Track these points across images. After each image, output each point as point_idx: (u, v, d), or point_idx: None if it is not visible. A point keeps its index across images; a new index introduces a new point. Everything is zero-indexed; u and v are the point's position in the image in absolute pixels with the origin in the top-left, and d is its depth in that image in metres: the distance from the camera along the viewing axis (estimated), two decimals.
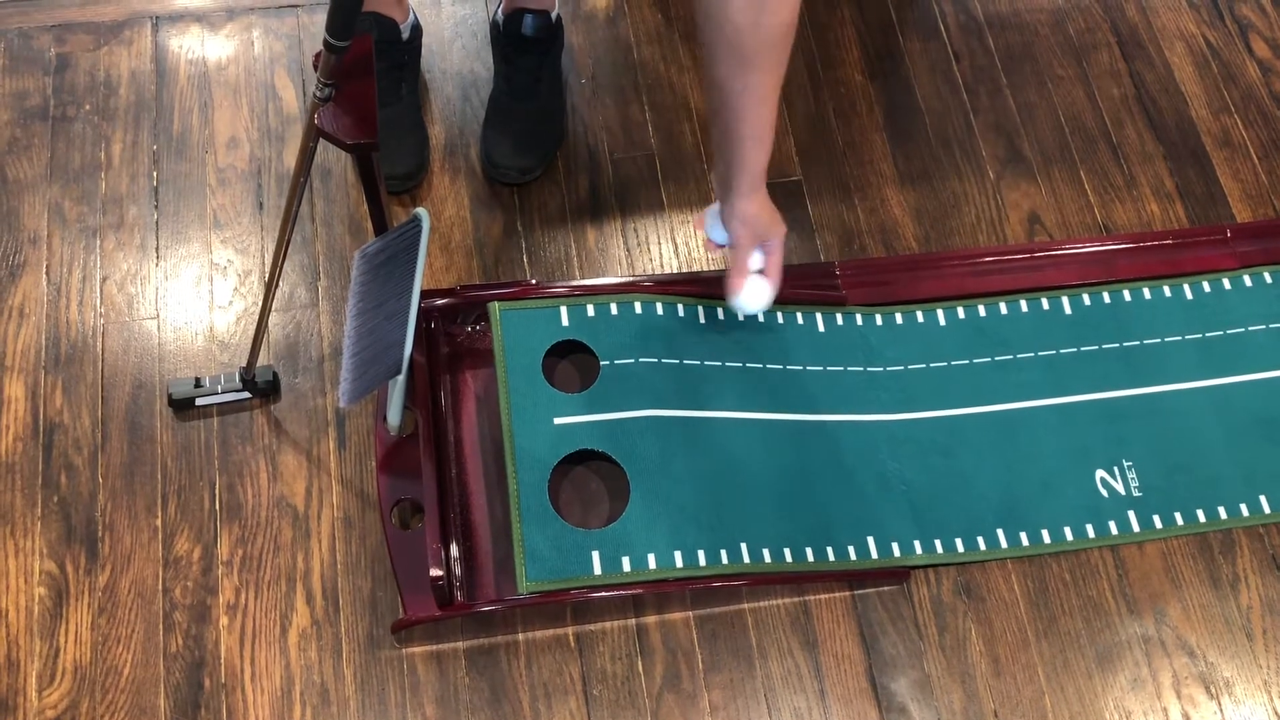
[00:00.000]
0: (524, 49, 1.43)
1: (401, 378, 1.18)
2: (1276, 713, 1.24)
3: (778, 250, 1.27)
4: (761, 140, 1.13)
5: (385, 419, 1.26)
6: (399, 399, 1.21)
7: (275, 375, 1.33)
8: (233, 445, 1.30)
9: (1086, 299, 1.43)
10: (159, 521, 1.26)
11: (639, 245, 1.46)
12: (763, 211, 1.22)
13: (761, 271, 1.27)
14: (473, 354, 1.33)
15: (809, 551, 1.25)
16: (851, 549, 1.26)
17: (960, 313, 1.42)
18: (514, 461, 1.21)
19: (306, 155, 0.94)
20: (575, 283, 1.36)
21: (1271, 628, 1.28)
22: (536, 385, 1.25)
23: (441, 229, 1.44)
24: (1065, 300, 1.43)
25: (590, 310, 1.30)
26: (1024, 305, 1.43)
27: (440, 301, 1.32)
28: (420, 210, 1.02)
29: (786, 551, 1.24)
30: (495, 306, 1.29)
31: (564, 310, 1.30)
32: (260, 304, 1.20)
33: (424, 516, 1.17)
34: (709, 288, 1.38)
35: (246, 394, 1.31)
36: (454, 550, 1.20)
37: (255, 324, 1.23)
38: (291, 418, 1.33)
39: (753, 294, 1.28)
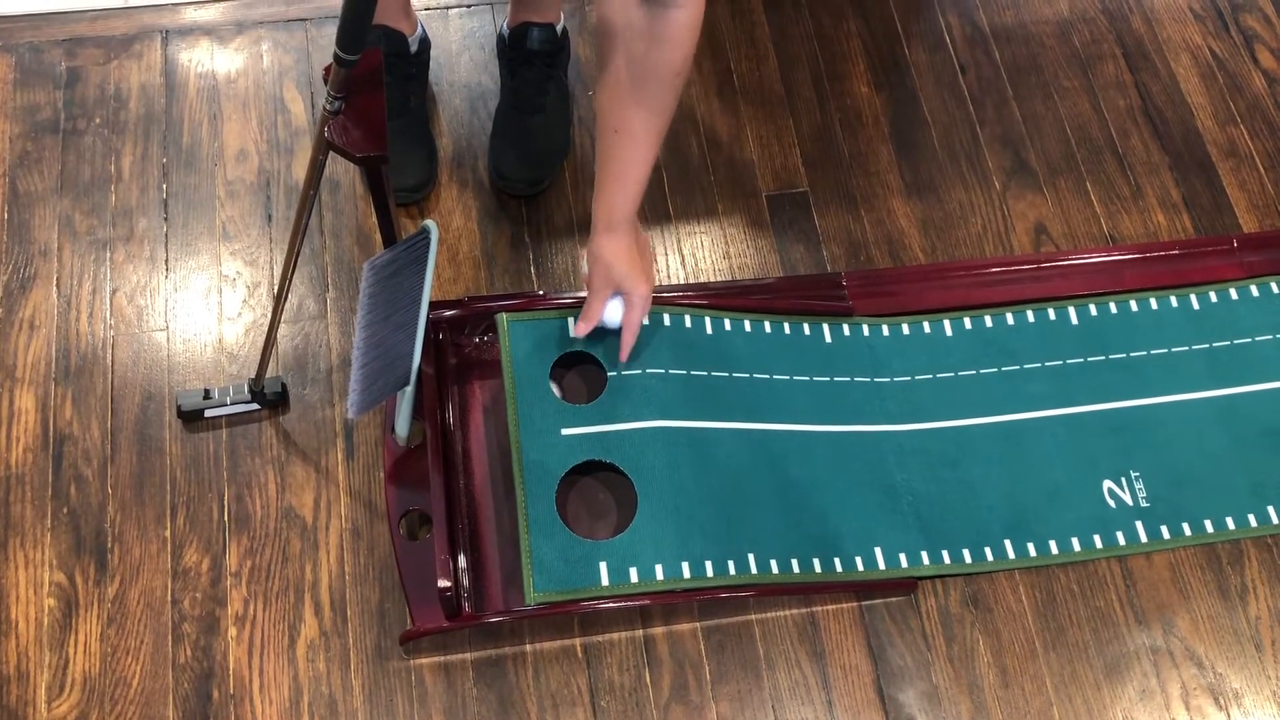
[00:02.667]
0: (530, 62, 1.44)
1: (410, 389, 1.18)
2: None
3: (637, 307, 1.20)
4: (623, 181, 1.09)
5: (393, 430, 1.26)
6: (407, 410, 1.21)
7: (284, 387, 1.33)
8: (241, 456, 1.31)
9: (1093, 309, 1.44)
10: (168, 533, 1.27)
11: None
12: (618, 258, 1.16)
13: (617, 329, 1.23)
14: (480, 365, 1.34)
15: (816, 562, 1.25)
16: (859, 560, 1.26)
17: (967, 323, 1.42)
18: (521, 472, 1.21)
19: (316, 168, 0.94)
20: (583, 294, 1.36)
21: None
22: (544, 396, 1.26)
23: (449, 240, 1.45)
24: (1072, 311, 1.43)
25: None
26: (1030, 316, 1.43)
27: (448, 313, 1.32)
28: (429, 222, 1.03)
29: (794, 562, 1.24)
30: (503, 318, 1.29)
31: (572, 321, 1.30)
32: (269, 316, 1.21)
33: (432, 527, 1.17)
34: (716, 299, 1.38)
35: (255, 405, 1.32)
36: (462, 561, 1.20)
37: (264, 336, 1.23)
38: (300, 429, 1.33)
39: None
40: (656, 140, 1.09)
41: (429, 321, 1.29)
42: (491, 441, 1.29)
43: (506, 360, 1.27)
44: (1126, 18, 1.69)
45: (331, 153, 0.93)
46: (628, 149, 1.07)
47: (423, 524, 1.26)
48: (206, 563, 1.25)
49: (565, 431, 1.24)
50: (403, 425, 1.24)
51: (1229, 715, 1.24)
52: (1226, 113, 1.62)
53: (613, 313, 1.24)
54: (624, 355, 1.25)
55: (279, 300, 1.16)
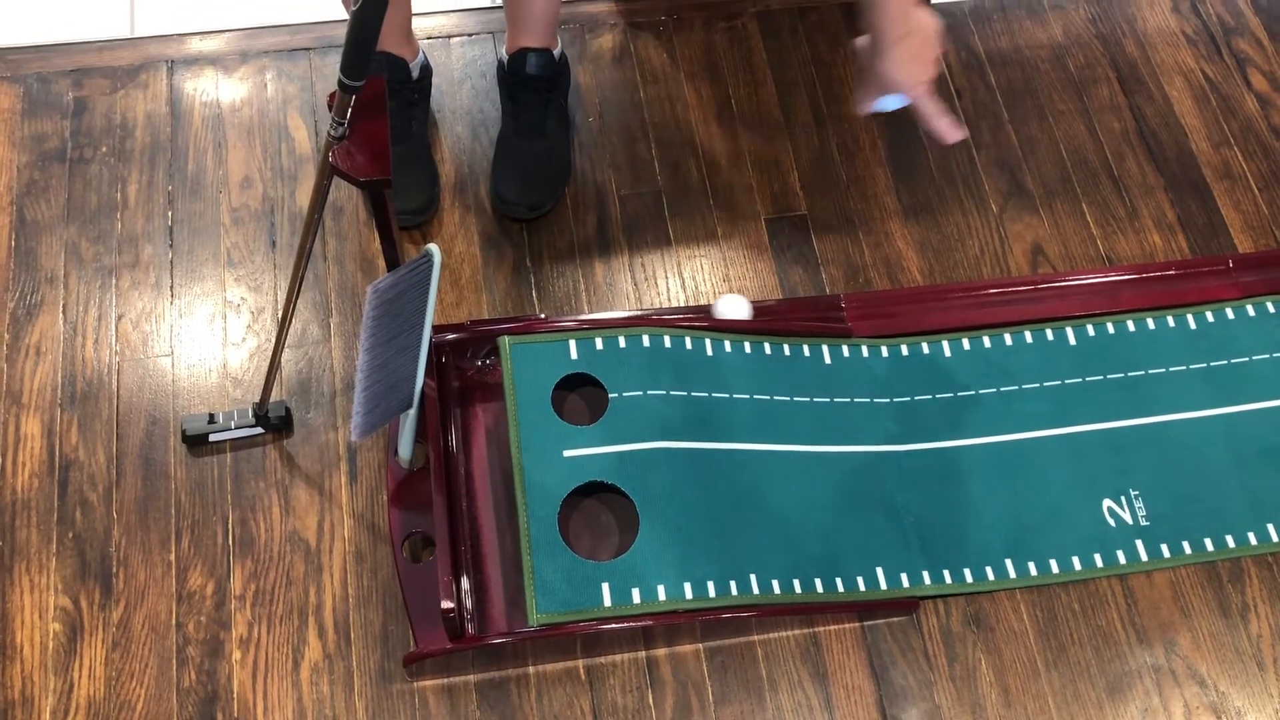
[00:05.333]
0: (529, 87, 1.46)
1: (413, 412, 1.19)
2: None
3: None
4: None
5: (397, 453, 1.27)
6: (410, 433, 1.22)
7: (288, 411, 1.34)
8: (245, 480, 1.32)
9: (1091, 330, 1.45)
10: (173, 556, 1.27)
11: (646, 280, 1.48)
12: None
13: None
14: (483, 388, 1.35)
15: (818, 582, 1.25)
16: (860, 580, 1.27)
17: (966, 344, 1.43)
18: (524, 494, 1.22)
19: (321, 193, 0.96)
20: (584, 317, 1.38)
21: None
22: (546, 418, 1.27)
23: (451, 265, 1.46)
24: (1070, 331, 1.44)
25: (599, 344, 1.32)
26: (1029, 336, 1.44)
27: (451, 336, 1.34)
28: (432, 246, 1.04)
29: (796, 583, 1.25)
30: (505, 341, 1.30)
31: (573, 344, 1.31)
32: (273, 341, 1.22)
33: (435, 550, 1.18)
34: (716, 321, 1.39)
35: (259, 429, 1.33)
36: (465, 583, 1.21)
37: (268, 360, 1.25)
38: (304, 453, 1.34)
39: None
40: None
41: (431, 345, 1.30)
42: (494, 464, 1.30)
43: (509, 382, 1.28)
44: (1120, 42, 1.71)
45: (335, 178, 0.94)
46: None
47: (426, 546, 1.26)
48: (211, 586, 1.26)
49: (567, 453, 1.25)
50: (406, 448, 1.25)
51: None
52: (1220, 135, 1.63)
53: (734, 308, 1.36)
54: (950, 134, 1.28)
55: (283, 325, 1.17)
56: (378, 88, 0.91)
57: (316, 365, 1.39)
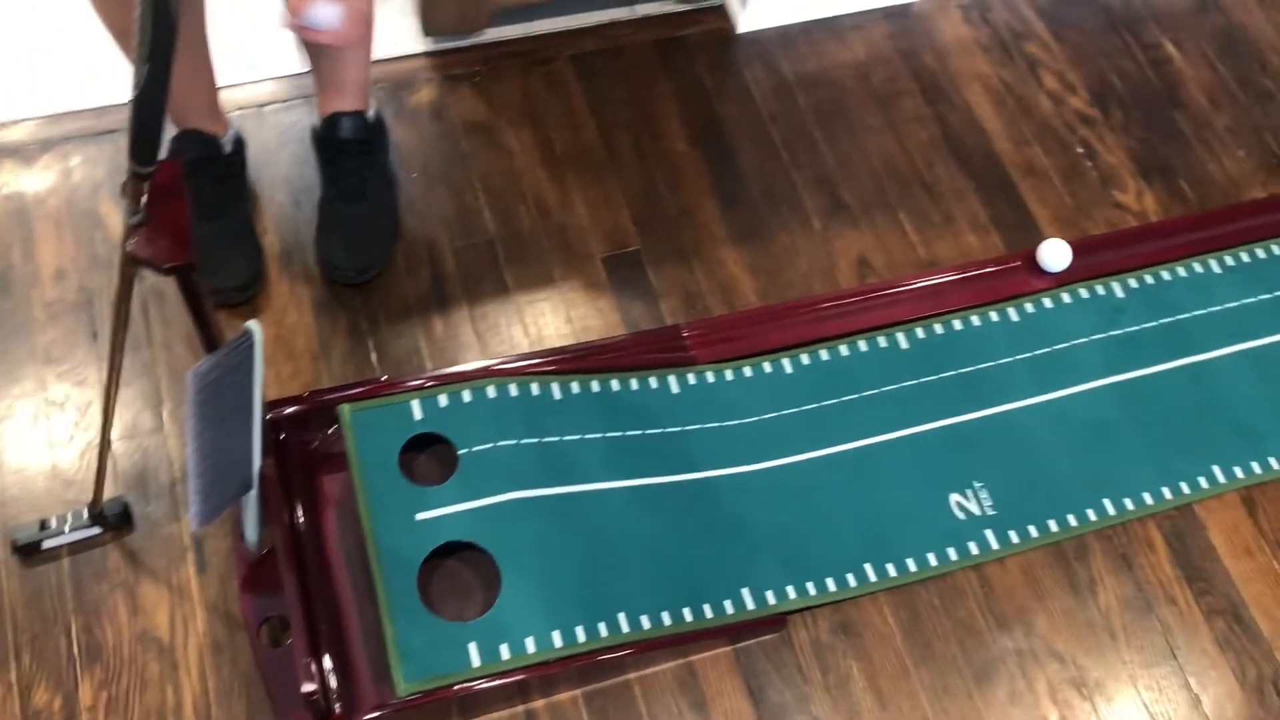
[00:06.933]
0: (345, 151, 1.44)
1: (254, 493, 1.16)
2: (1145, 704, 1.30)
3: None
4: None
5: (244, 537, 1.23)
6: (254, 515, 1.19)
7: (126, 506, 1.29)
8: (87, 585, 1.26)
9: (920, 332, 1.50)
10: (13, 676, 1.20)
11: (489, 330, 1.47)
12: None
13: None
14: (329, 459, 1.32)
15: (687, 612, 1.26)
16: (728, 604, 1.28)
17: (805, 359, 1.47)
18: (379, 563, 1.19)
19: (125, 283, 0.92)
20: (427, 374, 1.36)
21: (1130, 624, 1.34)
22: (395, 483, 1.25)
23: (285, 336, 1.43)
24: (901, 336, 1.50)
25: (443, 400, 1.31)
26: (863, 345, 1.49)
27: (289, 410, 1.31)
28: (251, 324, 1.02)
29: (665, 615, 1.25)
30: (345, 409, 1.28)
31: (416, 404, 1.30)
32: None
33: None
34: (562, 364, 1.40)
35: (97, 529, 1.27)
36: (328, 662, 1.17)
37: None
38: (147, 548, 1.29)
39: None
40: None
41: (267, 422, 1.27)
42: (347, 536, 1.27)
43: (352, 451, 1.25)
44: (919, 55, 1.79)
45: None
46: None
47: (285, 629, 1.22)
48: (59, 701, 1.20)
49: (420, 516, 1.23)
50: (252, 531, 1.21)
51: (1093, 704, 1.29)
52: (1020, 134, 1.72)
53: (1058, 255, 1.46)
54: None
55: (106, 420, 1.13)
56: (174, 171, 0.89)
57: (152, 455, 1.34)
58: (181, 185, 0.90)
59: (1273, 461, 1.46)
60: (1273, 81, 1.83)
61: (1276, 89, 1.82)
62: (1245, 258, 1.62)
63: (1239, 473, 1.44)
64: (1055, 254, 1.55)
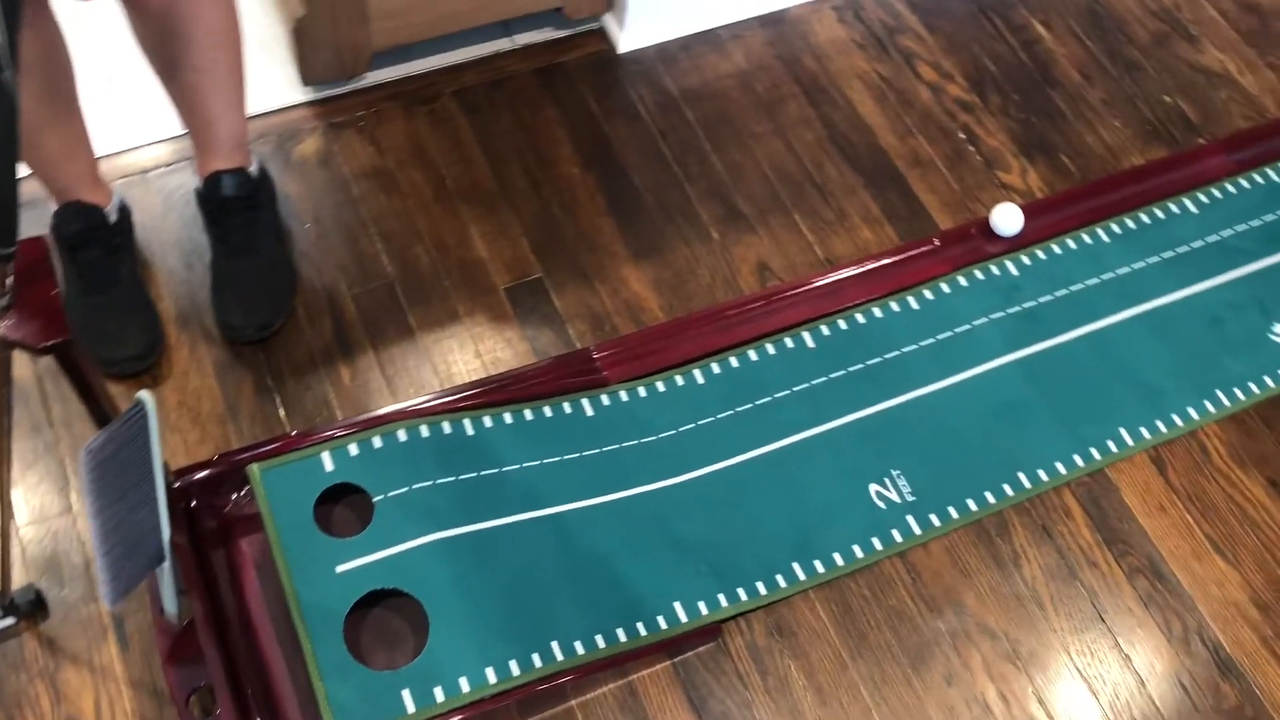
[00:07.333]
0: (229, 209, 1.43)
1: (167, 564, 1.14)
2: (1078, 669, 1.32)
3: None
4: None
5: (163, 609, 1.21)
6: (170, 586, 1.17)
7: (38, 593, 1.26)
8: (4, 677, 1.22)
9: (825, 329, 1.52)
10: None
11: (397, 373, 1.46)
12: None
13: None
14: (245, 520, 1.30)
15: (620, 633, 1.26)
16: (661, 619, 1.28)
17: (715, 368, 1.48)
18: (303, 620, 1.18)
19: (2, 368, 0.91)
20: (338, 424, 1.35)
21: (1056, 592, 1.37)
22: (312, 538, 1.23)
23: (189, 402, 1.41)
24: (807, 335, 1.52)
25: (354, 449, 1.30)
26: (770, 348, 1.50)
27: (199, 475, 1.29)
28: (142, 394, 1.01)
29: (598, 639, 1.25)
30: (254, 469, 1.26)
31: (326, 456, 1.29)
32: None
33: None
34: (472, 399, 1.39)
35: (9, 620, 1.24)
36: None
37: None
38: (65, 633, 1.26)
39: None
40: None
41: (177, 490, 1.25)
42: (270, 596, 1.25)
43: (265, 510, 1.24)
44: (798, 58, 1.82)
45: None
46: None
47: (214, 698, 1.20)
48: None
49: (341, 568, 1.22)
50: (170, 602, 1.19)
51: (1028, 675, 1.31)
52: (903, 126, 1.76)
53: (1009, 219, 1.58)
54: None
55: (4, 508, 1.10)
56: (38, 249, 0.88)
57: (62, 538, 1.31)
58: (49, 263, 0.89)
59: (1176, 418, 1.50)
60: (1139, 51, 1.89)
61: (1144, 58, 1.88)
62: (1131, 224, 1.67)
63: (1145, 433, 1.48)
64: (1007, 218, 1.60)
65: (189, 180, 1.58)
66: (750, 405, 1.46)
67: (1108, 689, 1.31)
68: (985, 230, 1.63)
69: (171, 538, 1.13)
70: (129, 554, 1.07)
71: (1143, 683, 1.31)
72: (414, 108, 1.70)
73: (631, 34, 1.78)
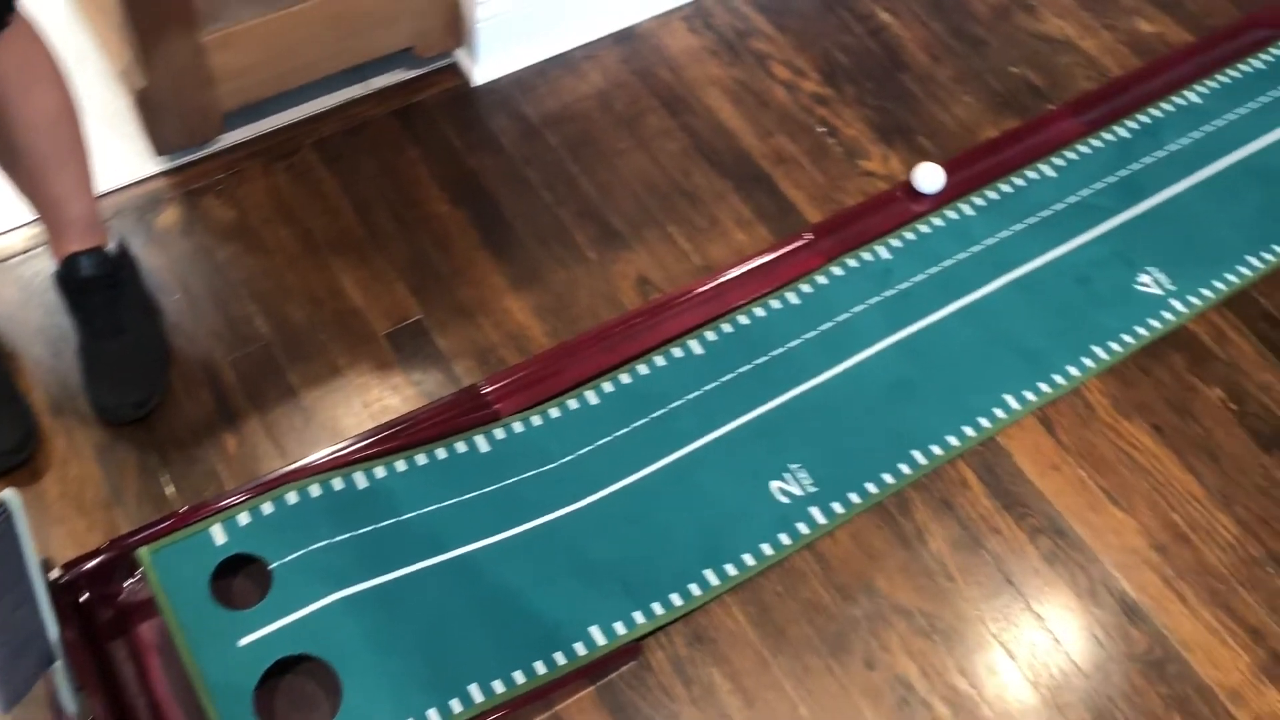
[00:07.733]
0: (90, 290, 1.39)
1: (59, 663, 1.10)
2: (994, 635, 1.35)
3: None
4: None
5: (63, 710, 1.17)
6: (66, 685, 1.13)
7: None
8: None
9: (711, 335, 1.53)
10: None
11: (284, 434, 1.44)
12: None
13: None
14: (141, 606, 1.26)
15: (539, 666, 1.25)
16: (579, 646, 1.28)
17: (607, 387, 1.48)
18: (210, 700, 1.15)
19: None
20: (228, 493, 1.32)
21: (963, 563, 1.39)
22: (210, 614, 1.20)
23: (71, 491, 1.37)
24: (694, 343, 1.53)
25: (244, 519, 1.27)
26: (660, 360, 1.51)
27: (88, 566, 1.25)
28: (4, 494, 0.97)
29: (517, 675, 1.24)
30: (143, 552, 1.23)
31: (218, 529, 1.26)
32: None
33: None
34: (364, 452, 1.37)
35: None
36: None
37: None
38: None
39: None
40: None
41: (64, 584, 1.22)
42: (175, 680, 1.22)
43: (159, 593, 1.21)
44: (653, 71, 1.84)
45: None
46: None
47: None
48: None
49: (243, 641, 1.19)
50: (68, 701, 1.15)
51: (947, 648, 1.33)
52: (763, 127, 1.78)
53: (931, 178, 1.68)
54: None
55: None
56: None
57: None
58: None
59: (1058, 378, 1.54)
60: (982, 27, 1.95)
61: (987, 33, 1.94)
62: (993, 194, 1.72)
63: (1030, 396, 1.52)
64: (929, 176, 1.69)
65: (47, 266, 1.54)
66: (646, 419, 1.46)
67: (1024, 651, 1.34)
68: (910, 191, 1.70)
69: (61, 634, 1.10)
70: (16, 656, 1.04)
71: (1057, 640, 1.34)
72: (273, 164, 1.68)
73: (485, 66, 1.78)
